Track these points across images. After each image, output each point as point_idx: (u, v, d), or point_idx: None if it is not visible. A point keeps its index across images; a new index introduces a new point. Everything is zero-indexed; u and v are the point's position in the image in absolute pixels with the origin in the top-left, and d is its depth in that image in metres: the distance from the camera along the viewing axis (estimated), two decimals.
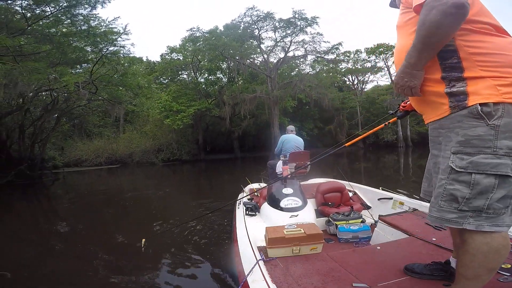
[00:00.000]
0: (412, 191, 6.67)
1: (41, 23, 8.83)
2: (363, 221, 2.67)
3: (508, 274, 1.35)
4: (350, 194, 3.56)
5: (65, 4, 8.49)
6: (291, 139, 4.50)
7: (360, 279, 1.44)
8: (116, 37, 10.39)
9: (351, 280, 1.44)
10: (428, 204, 2.56)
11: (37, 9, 8.42)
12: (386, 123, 1.79)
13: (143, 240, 2.89)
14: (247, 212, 2.87)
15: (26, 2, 7.85)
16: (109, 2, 9.42)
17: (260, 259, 1.69)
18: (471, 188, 0.96)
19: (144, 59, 26.94)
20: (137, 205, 6.74)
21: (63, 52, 9.44)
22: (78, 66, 11.44)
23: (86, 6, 9.01)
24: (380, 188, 3.54)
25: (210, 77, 23.97)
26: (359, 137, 1.73)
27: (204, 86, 23.43)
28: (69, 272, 2.96)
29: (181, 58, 22.27)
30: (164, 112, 19.84)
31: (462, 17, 0.92)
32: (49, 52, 9.15)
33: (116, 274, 2.89)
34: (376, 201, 3.37)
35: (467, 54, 0.99)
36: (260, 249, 1.89)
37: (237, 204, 3.39)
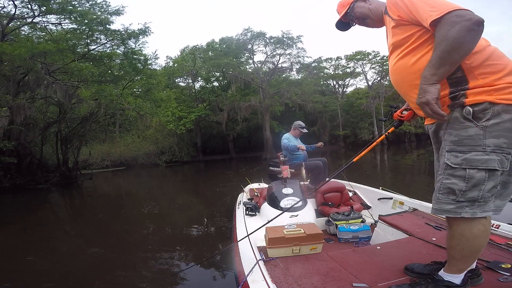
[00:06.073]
0: (388, 182, 7.01)
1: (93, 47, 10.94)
2: (363, 221, 2.67)
3: (508, 274, 1.35)
4: (350, 194, 3.56)
5: (119, 36, 10.83)
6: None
7: (360, 279, 1.43)
8: (151, 61, 13.26)
9: (351, 280, 1.44)
10: (428, 204, 2.59)
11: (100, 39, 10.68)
12: (386, 133, 1.91)
13: None
14: (247, 212, 2.87)
15: (90, 32, 10.07)
16: (149, 34, 11.39)
17: (260, 259, 1.69)
18: (466, 181, 1.09)
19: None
20: (155, 204, 7.00)
21: (111, 72, 11.74)
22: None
23: (134, 39, 11.33)
24: (380, 188, 3.54)
25: (206, 85, 26.49)
26: (365, 150, 1.82)
27: (200, 93, 25.55)
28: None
29: (178, 66, 23.93)
30: (168, 117, 20.78)
31: (481, 34, 1.01)
32: (101, 72, 11.35)
33: (112, 272, 2.89)
34: (376, 201, 3.37)
35: (468, 67, 1.07)
36: (260, 249, 1.89)
37: (237, 204, 3.39)
